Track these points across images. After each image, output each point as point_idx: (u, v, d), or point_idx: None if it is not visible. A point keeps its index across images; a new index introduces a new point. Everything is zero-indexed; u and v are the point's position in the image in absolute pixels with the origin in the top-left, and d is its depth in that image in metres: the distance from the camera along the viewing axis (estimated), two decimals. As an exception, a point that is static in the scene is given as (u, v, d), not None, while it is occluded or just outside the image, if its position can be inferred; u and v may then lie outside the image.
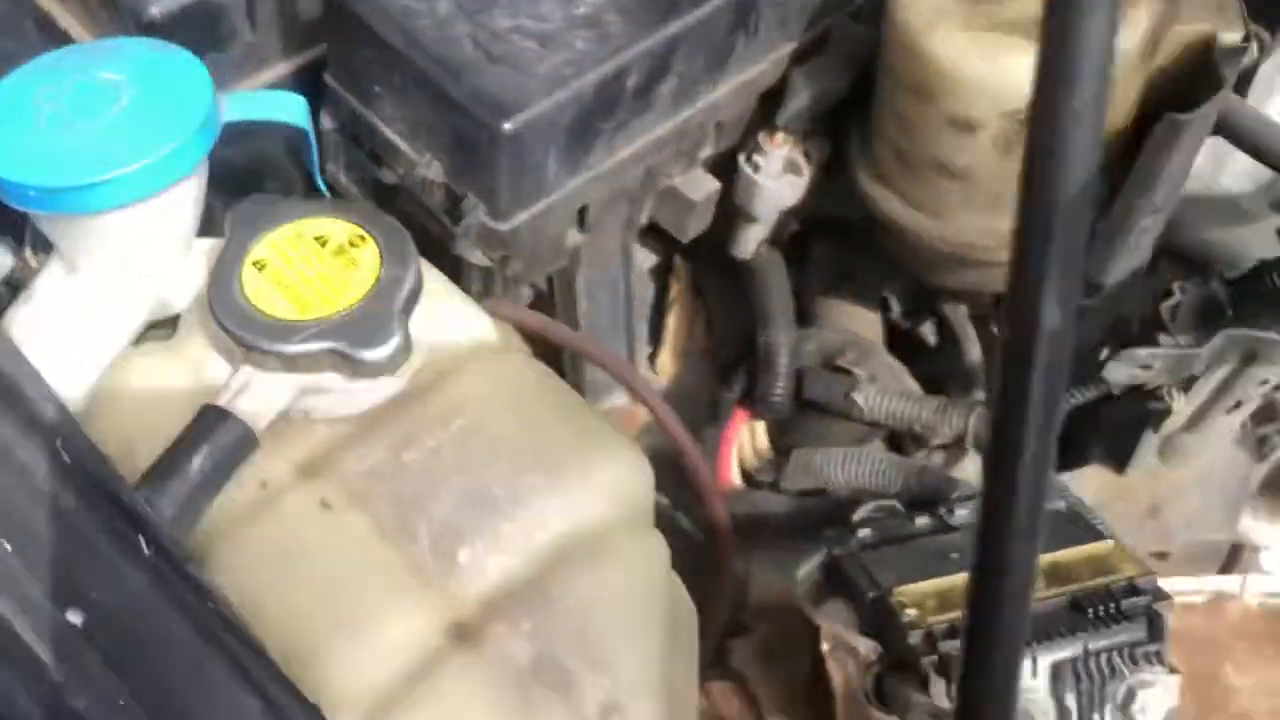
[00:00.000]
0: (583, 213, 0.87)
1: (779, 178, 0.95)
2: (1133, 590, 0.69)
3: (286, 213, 0.63)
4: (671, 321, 1.14)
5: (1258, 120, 0.93)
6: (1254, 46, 0.97)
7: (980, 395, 0.97)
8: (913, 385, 1.00)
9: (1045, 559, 0.73)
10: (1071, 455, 1.04)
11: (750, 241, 1.03)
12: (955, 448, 0.96)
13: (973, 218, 0.85)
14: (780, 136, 0.94)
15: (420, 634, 0.57)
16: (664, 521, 1.06)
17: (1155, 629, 0.68)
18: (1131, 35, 0.76)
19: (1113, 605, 0.69)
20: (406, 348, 0.59)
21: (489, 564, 0.58)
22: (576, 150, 0.80)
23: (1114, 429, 0.99)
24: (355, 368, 0.59)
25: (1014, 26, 0.76)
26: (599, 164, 0.83)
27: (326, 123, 0.87)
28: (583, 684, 0.55)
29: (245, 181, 0.90)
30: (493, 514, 0.59)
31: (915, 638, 0.69)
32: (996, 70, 0.76)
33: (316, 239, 0.61)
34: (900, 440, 1.01)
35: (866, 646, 0.74)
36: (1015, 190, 0.83)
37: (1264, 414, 1.05)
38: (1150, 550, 1.02)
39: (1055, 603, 0.70)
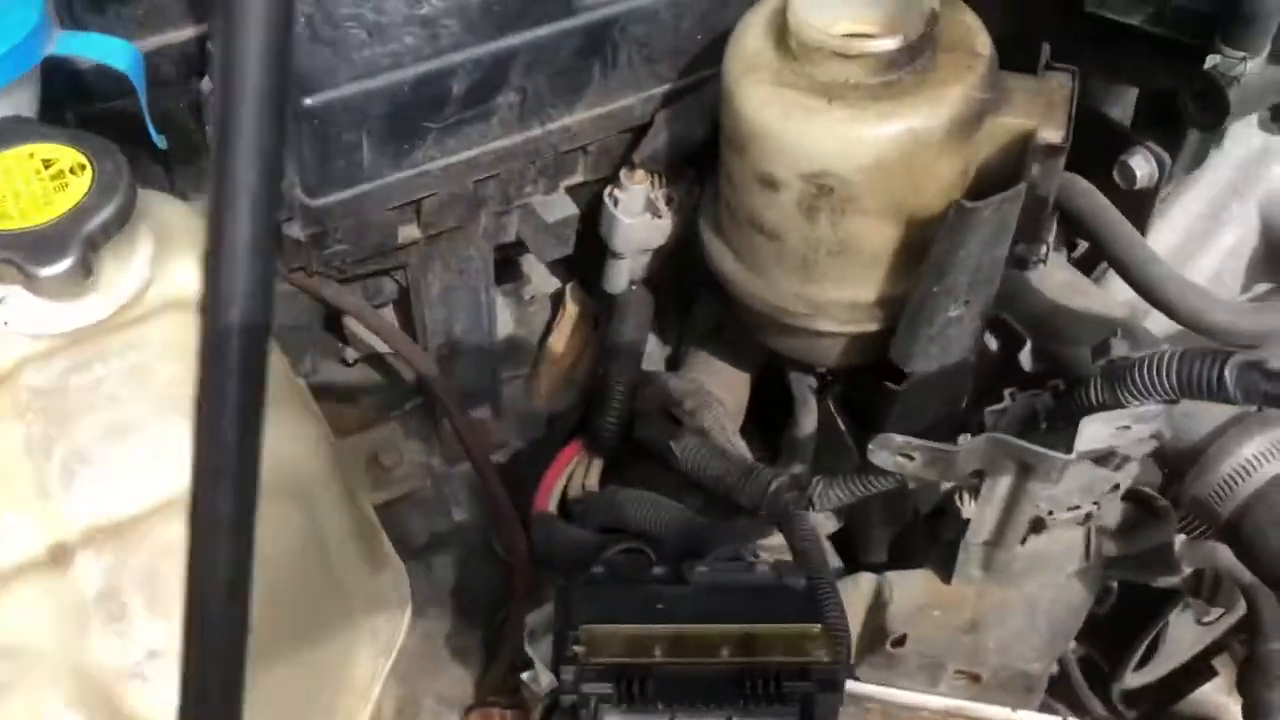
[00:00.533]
0: (418, 210, 0.88)
1: (638, 216, 0.95)
2: (801, 674, 0.66)
3: (30, 133, 0.66)
4: (552, 346, 1.14)
5: (1129, 242, 0.90)
6: (1152, 166, 0.94)
7: (797, 468, 0.94)
8: (740, 446, 0.98)
9: (742, 628, 0.71)
10: (908, 556, 1.01)
11: (618, 277, 1.02)
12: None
13: (786, 280, 0.84)
14: (639, 174, 0.94)
15: (22, 545, 0.58)
16: (480, 544, 1.06)
17: (808, 717, 0.65)
18: (938, 113, 0.73)
19: (773, 685, 0.65)
20: (82, 272, 0.61)
21: (102, 495, 0.59)
22: (398, 143, 0.82)
23: (941, 536, 0.95)
24: (33, 282, 0.61)
25: (822, 89, 0.75)
26: (428, 162, 0.85)
27: (205, 85, 0.91)
28: (135, 623, 0.55)
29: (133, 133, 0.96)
30: (122, 450, 0.60)
31: (568, 674, 0.67)
32: (795, 129, 0.75)
33: (45, 161, 0.64)
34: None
35: (548, 680, 0.72)
36: (824, 257, 0.81)
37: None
38: (963, 668, 0.97)
39: (724, 671, 0.67)
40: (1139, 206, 0.97)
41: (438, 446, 1.09)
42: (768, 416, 1.08)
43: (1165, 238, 1.15)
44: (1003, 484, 0.79)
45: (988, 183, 0.78)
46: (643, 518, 0.90)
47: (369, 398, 1.10)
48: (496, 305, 1.13)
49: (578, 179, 0.96)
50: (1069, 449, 0.75)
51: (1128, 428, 0.75)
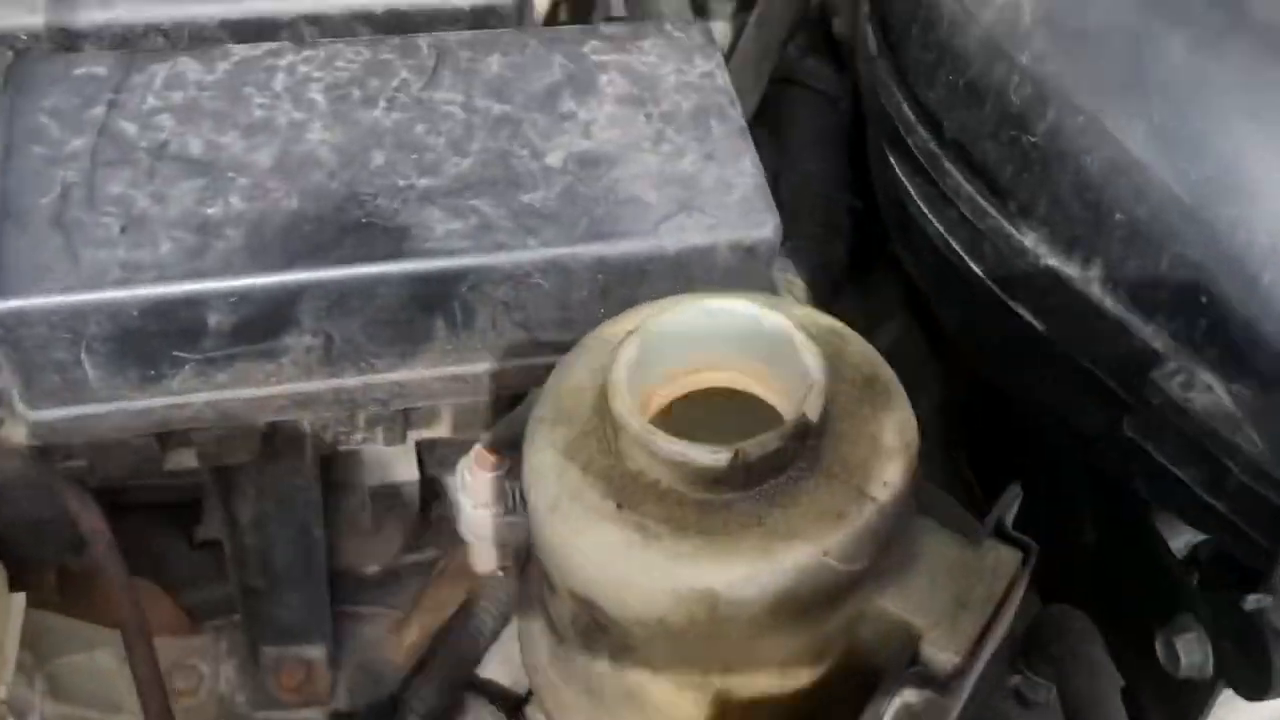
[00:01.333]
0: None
1: (483, 506, 0.72)
2: None
3: None
4: (429, 594, 0.92)
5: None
6: (1205, 654, 0.62)
7: None
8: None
9: None
10: None
11: (479, 560, 0.80)
12: None
13: (575, 698, 0.58)
14: (493, 460, 0.71)
15: None
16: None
17: None
18: (759, 580, 0.47)
19: None
20: None
21: None
22: (139, 369, 0.63)
23: None
24: None
25: (619, 487, 0.49)
26: (189, 393, 0.65)
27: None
28: None
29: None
30: None
31: None
32: (562, 530, 0.50)
33: None
34: None
35: None
36: (611, 696, 0.56)
37: None
38: None
39: None
40: (1183, 702, 0.66)
41: (249, 680, 0.89)
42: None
43: None
44: None
45: (859, 669, 0.51)
46: None
47: (198, 593, 0.92)
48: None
49: (439, 433, 0.75)
50: None
51: None
